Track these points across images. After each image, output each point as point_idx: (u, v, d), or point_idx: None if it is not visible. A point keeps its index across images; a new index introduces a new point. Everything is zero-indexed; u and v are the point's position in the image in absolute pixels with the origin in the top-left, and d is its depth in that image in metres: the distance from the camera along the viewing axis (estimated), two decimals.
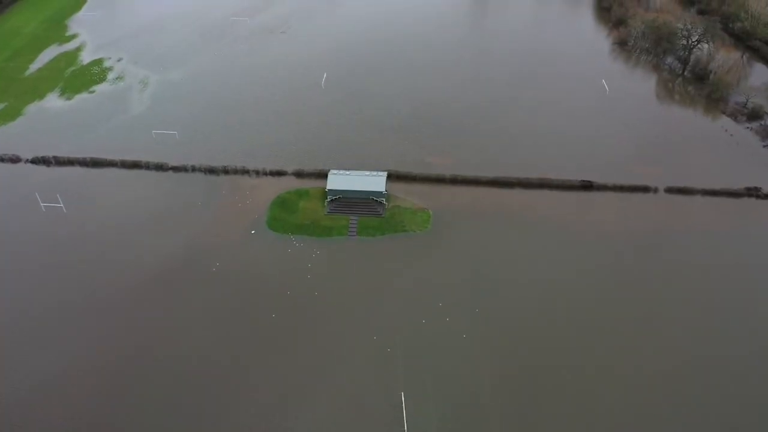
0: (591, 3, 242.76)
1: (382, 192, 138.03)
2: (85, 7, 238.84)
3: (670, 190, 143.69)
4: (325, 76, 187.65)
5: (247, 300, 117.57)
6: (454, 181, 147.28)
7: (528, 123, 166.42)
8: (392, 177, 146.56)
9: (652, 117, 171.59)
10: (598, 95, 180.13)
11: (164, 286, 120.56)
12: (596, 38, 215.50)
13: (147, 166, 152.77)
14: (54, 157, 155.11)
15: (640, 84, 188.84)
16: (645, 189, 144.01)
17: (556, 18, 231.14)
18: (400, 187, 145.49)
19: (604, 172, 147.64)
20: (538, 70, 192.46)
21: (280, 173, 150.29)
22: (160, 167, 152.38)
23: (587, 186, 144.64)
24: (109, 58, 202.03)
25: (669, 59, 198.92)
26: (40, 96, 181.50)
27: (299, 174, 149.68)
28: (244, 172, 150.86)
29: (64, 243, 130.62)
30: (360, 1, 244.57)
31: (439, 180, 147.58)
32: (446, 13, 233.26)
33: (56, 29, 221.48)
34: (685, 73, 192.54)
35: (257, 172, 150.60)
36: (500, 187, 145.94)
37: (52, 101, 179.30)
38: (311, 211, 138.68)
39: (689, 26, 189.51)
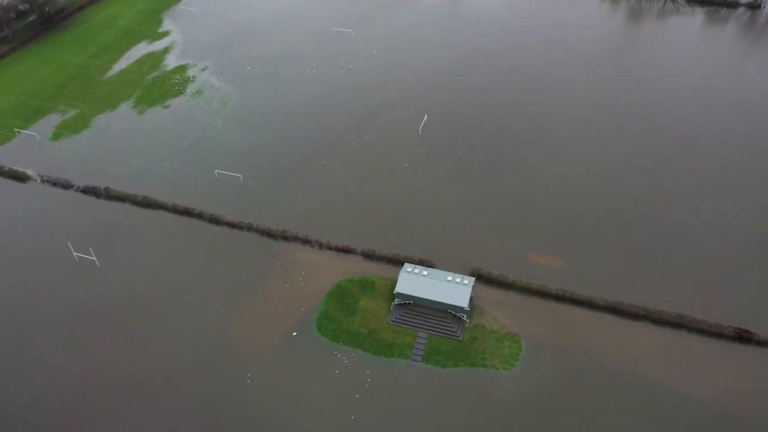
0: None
1: (463, 308, 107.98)
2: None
3: None
4: (425, 118, 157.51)
5: None
6: (561, 297, 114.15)
7: (674, 228, 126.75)
8: (481, 278, 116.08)
9: None
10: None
11: (173, 396, 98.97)
12: None
13: (200, 216, 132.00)
14: (105, 189, 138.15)
15: None
16: None
17: (724, 63, 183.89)
18: (488, 295, 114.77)
19: None
20: (701, 137, 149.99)
21: (346, 250, 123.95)
22: (214, 219, 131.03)
23: (744, 337, 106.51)
24: (195, 65, 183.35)
25: None
26: (113, 105, 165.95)
27: (368, 255, 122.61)
28: (306, 241, 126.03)
29: (83, 309, 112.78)
30: (490, 17, 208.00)
31: (541, 293, 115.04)
32: (595, 43, 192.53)
33: (150, 23, 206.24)
34: None
35: (320, 245, 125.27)
36: (621, 317, 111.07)
37: (123, 114, 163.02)
38: (372, 316, 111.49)
39: None
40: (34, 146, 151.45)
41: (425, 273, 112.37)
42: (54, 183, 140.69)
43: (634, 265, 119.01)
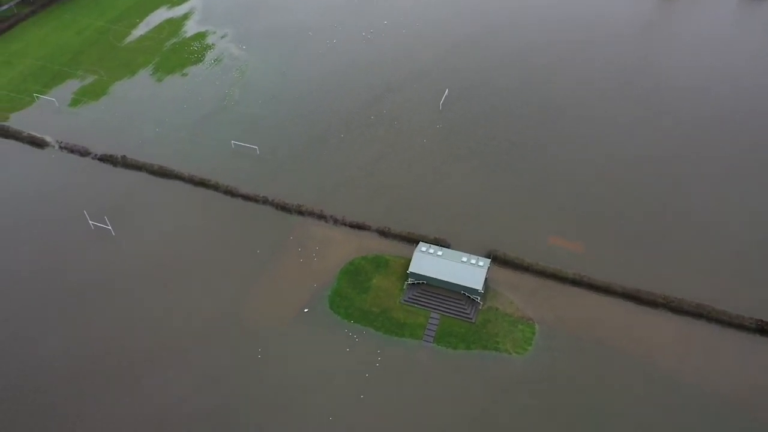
0: None
1: (477, 290, 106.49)
2: None
3: None
4: (446, 93, 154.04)
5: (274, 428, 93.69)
6: (578, 282, 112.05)
7: (697, 216, 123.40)
8: (497, 260, 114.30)
9: None
10: None
11: (183, 370, 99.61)
12: None
13: (216, 187, 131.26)
14: (122, 157, 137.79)
15: None
16: None
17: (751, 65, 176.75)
18: (503, 276, 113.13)
19: None
20: (729, 124, 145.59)
21: (360, 227, 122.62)
22: (229, 191, 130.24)
23: (765, 330, 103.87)
24: (214, 32, 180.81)
25: None
26: (132, 72, 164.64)
27: (383, 233, 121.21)
28: (320, 216, 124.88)
29: (97, 278, 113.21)
30: None
31: (557, 276, 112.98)
32: (623, 22, 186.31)
33: None
34: None
35: (335, 220, 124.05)
36: (638, 304, 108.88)
37: (142, 81, 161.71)
38: (385, 294, 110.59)
39: None
40: (52, 112, 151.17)
41: (440, 253, 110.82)
42: (72, 150, 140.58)
43: (654, 253, 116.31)
